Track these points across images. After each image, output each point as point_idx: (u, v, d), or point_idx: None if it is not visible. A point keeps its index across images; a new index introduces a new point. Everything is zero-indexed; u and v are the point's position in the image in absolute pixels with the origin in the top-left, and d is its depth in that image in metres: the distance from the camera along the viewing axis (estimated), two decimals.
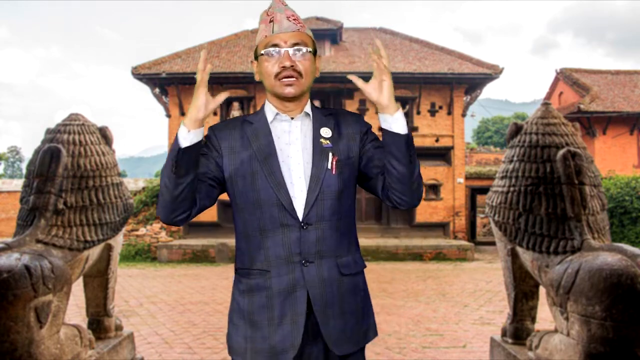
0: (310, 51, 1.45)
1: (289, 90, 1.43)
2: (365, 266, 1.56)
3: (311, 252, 1.40)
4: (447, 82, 15.08)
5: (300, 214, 1.40)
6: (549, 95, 21.43)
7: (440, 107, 15.40)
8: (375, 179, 1.47)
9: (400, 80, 14.85)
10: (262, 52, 1.44)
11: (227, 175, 1.45)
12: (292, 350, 1.37)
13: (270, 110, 1.50)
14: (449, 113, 15.36)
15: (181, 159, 1.31)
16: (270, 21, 1.45)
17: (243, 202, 1.43)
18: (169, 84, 15.05)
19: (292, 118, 1.49)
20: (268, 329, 1.39)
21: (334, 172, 1.43)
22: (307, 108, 1.51)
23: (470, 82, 15.27)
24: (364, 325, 1.50)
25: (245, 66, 14.86)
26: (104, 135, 3.34)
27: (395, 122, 1.37)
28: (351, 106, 15.02)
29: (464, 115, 15.49)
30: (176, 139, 1.32)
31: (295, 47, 1.42)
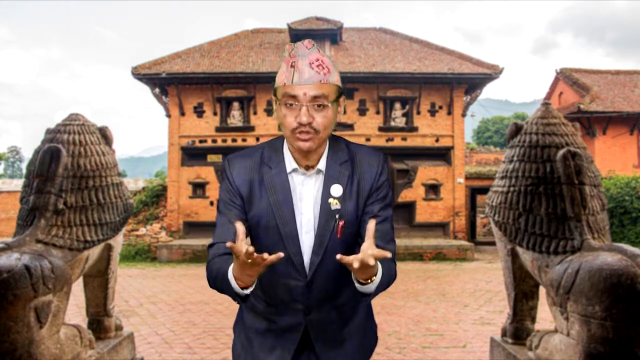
0: (331, 104, 1.37)
1: (304, 146, 1.37)
2: None
3: (313, 303, 1.45)
4: (447, 82, 15.08)
5: (307, 272, 1.43)
6: (549, 95, 21.43)
7: (440, 107, 15.40)
8: (357, 247, 1.43)
9: (400, 80, 14.85)
10: (280, 101, 1.38)
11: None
12: None
13: (288, 162, 1.45)
14: (449, 113, 15.36)
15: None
16: (292, 66, 1.35)
17: (257, 247, 1.43)
18: (169, 84, 15.04)
19: (308, 169, 1.45)
20: (259, 352, 1.47)
21: (339, 236, 1.41)
22: (322, 161, 1.45)
23: (470, 82, 15.27)
24: (365, 344, 1.54)
25: (245, 66, 14.86)
26: (104, 135, 3.34)
27: (361, 287, 1.32)
28: (351, 106, 15.02)
29: (464, 115, 15.49)
30: (233, 291, 1.30)
31: (315, 103, 1.34)
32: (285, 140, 1.48)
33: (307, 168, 1.45)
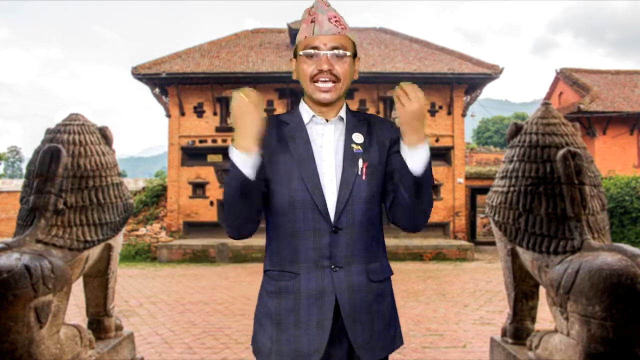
0: (349, 55, 1.44)
1: (325, 97, 1.43)
2: (392, 273, 1.55)
3: (341, 257, 1.40)
4: (447, 82, 15.08)
5: (331, 218, 1.40)
6: (549, 95, 21.43)
7: (440, 107, 15.40)
8: (387, 195, 1.46)
9: (400, 80, 14.80)
10: (301, 52, 1.44)
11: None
12: (316, 355, 1.37)
13: (306, 112, 1.50)
14: (449, 113, 15.36)
15: (251, 187, 1.29)
16: (312, 21, 1.44)
17: (278, 203, 1.42)
18: (169, 84, 15.04)
19: (327, 120, 1.49)
20: (294, 331, 1.39)
21: (364, 178, 1.42)
22: (342, 112, 1.51)
23: (470, 82, 15.27)
24: (391, 332, 1.49)
25: (245, 66, 14.86)
26: (104, 135, 3.34)
27: (410, 157, 1.32)
28: (351, 106, 14.86)
29: (464, 115, 15.49)
30: (236, 170, 1.27)
31: (335, 51, 1.41)
32: (302, 100, 1.53)
33: (327, 121, 1.49)
